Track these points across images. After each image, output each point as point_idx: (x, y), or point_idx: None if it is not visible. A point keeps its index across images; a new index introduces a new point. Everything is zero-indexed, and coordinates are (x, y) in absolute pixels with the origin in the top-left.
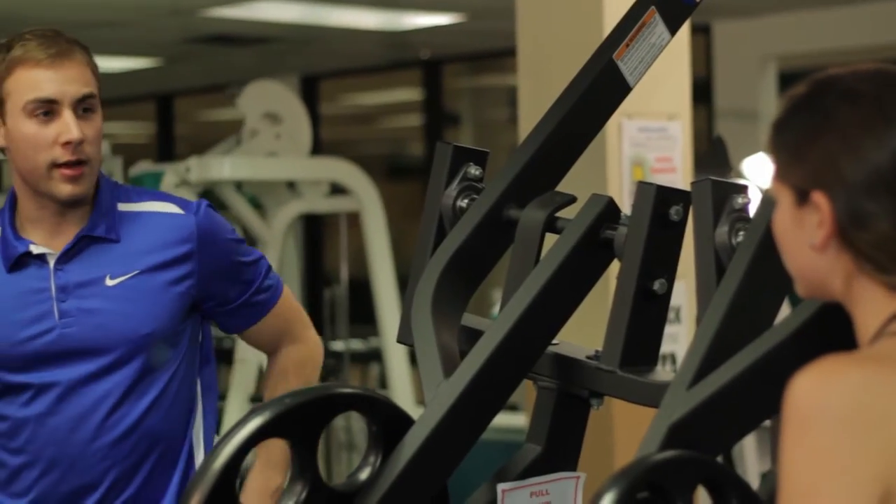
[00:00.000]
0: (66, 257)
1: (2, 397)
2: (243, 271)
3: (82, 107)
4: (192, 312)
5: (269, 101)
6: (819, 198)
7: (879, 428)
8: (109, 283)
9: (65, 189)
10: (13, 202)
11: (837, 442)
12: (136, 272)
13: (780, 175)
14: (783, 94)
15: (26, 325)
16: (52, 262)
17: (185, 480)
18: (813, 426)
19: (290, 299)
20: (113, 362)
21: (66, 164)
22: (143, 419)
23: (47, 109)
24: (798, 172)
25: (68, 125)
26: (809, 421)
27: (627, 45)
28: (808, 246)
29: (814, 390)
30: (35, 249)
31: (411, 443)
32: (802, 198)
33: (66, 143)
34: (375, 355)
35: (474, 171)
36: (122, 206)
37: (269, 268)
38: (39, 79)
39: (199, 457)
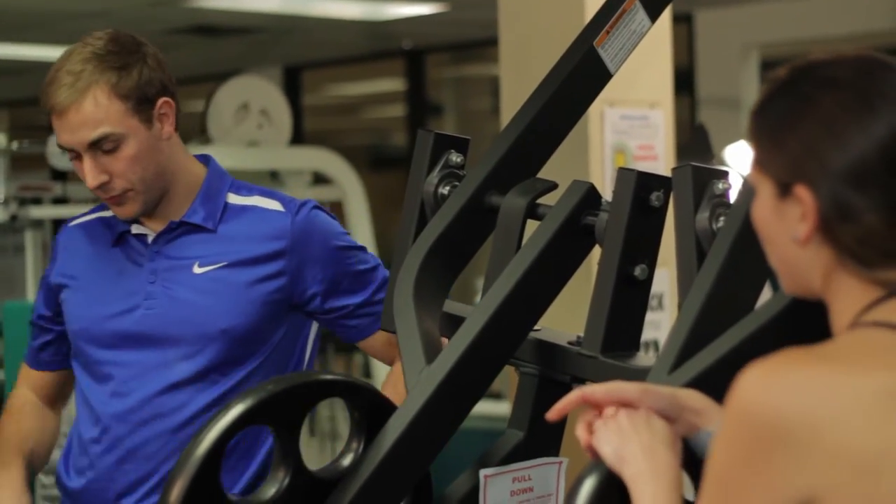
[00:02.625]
0: (162, 240)
1: (87, 370)
2: (351, 281)
3: (100, 148)
4: (290, 315)
5: (247, 93)
6: (802, 191)
7: (812, 435)
8: (197, 270)
9: (117, 212)
10: None
11: (762, 447)
12: (224, 263)
13: (760, 164)
14: (764, 80)
15: (116, 300)
16: (149, 243)
17: (258, 482)
18: (744, 424)
19: None
20: (186, 352)
21: (106, 197)
22: (206, 414)
23: (73, 155)
24: (778, 161)
25: (85, 173)
26: (743, 418)
27: (608, 33)
28: (791, 239)
29: (755, 388)
30: (135, 229)
31: (393, 429)
32: (784, 190)
33: (90, 188)
34: None
35: (456, 158)
36: (232, 199)
37: (386, 279)
38: (57, 126)
39: None
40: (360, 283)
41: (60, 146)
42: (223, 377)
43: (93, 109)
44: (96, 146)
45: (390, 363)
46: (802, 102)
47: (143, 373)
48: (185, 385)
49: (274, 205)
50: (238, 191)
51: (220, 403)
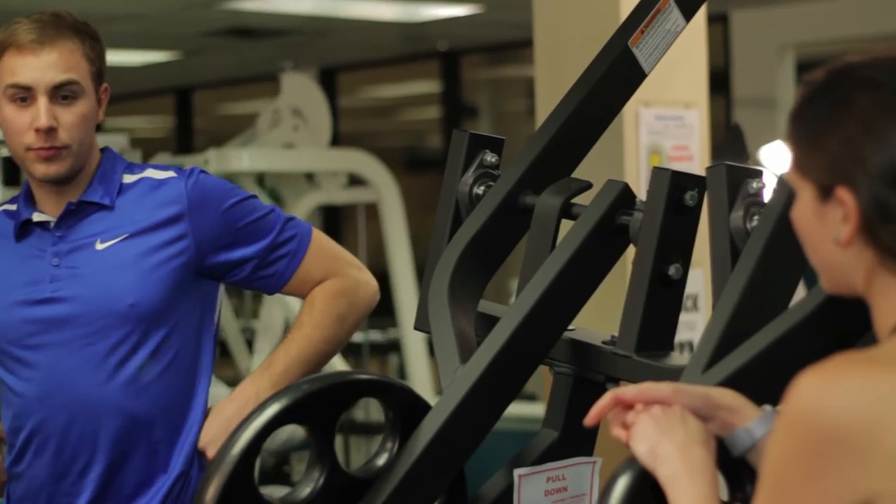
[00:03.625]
0: (63, 223)
1: (11, 372)
2: (253, 229)
3: (61, 94)
4: (198, 282)
5: (298, 93)
6: (843, 193)
7: (871, 439)
8: (99, 247)
9: (39, 169)
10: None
11: (821, 453)
12: (125, 235)
13: (801, 168)
14: (800, 82)
15: (23, 287)
16: (51, 229)
17: (184, 476)
18: (803, 429)
19: (324, 243)
20: (97, 329)
21: (40, 148)
22: (128, 388)
23: (24, 95)
24: (819, 164)
25: (39, 112)
26: (802, 423)
27: (643, 32)
28: (833, 241)
29: (813, 393)
30: (37, 217)
31: (428, 428)
32: (825, 193)
33: (38, 130)
34: (394, 346)
35: (490, 158)
36: (126, 178)
37: (288, 219)
38: (18, 64)
39: None
40: (262, 228)
41: (14, 85)
42: (137, 350)
43: (69, 55)
44: (58, 91)
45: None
46: (841, 104)
47: (58, 355)
48: (101, 362)
49: (166, 174)
50: (132, 170)
51: (140, 377)
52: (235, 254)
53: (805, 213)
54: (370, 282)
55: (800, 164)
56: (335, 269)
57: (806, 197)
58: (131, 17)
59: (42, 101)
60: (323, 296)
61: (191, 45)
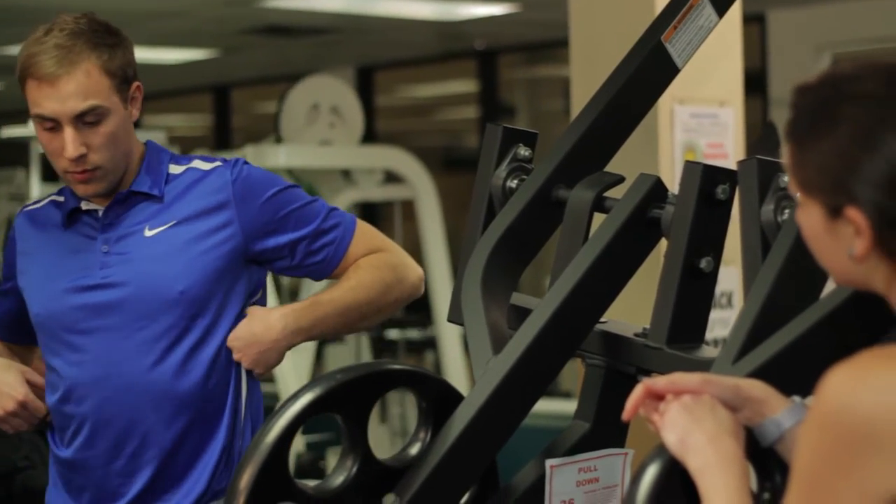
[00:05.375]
0: (112, 211)
1: (53, 348)
2: (297, 216)
3: (83, 120)
4: (246, 269)
5: (319, 93)
6: (852, 212)
7: None
8: (148, 233)
9: (79, 189)
10: None
11: (851, 450)
12: (172, 223)
13: (803, 184)
14: (792, 92)
15: (73, 274)
16: (99, 217)
17: (227, 452)
18: (834, 425)
19: (368, 231)
20: (147, 315)
21: (74, 172)
22: (180, 371)
23: (50, 125)
24: (823, 184)
25: (66, 143)
26: (832, 419)
27: (675, 28)
28: (847, 256)
29: (843, 389)
30: (85, 206)
31: (460, 419)
32: (835, 212)
33: (68, 158)
34: (430, 343)
35: (524, 151)
36: (173, 169)
37: (332, 209)
38: (39, 96)
39: (246, 428)
40: (306, 215)
41: (39, 116)
42: (186, 335)
43: (85, 81)
44: (81, 117)
45: None
46: (832, 116)
47: (108, 340)
48: (150, 347)
49: (212, 164)
50: (178, 161)
51: (188, 362)
52: (282, 239)
53: (816, 229)
54: (416, 267)
55: (800, 178)
56: (381, 247)
57: (815, 214)
58: (170, 15)
59: (68, 131)
60: (369, 262)
61: (228, 43)
